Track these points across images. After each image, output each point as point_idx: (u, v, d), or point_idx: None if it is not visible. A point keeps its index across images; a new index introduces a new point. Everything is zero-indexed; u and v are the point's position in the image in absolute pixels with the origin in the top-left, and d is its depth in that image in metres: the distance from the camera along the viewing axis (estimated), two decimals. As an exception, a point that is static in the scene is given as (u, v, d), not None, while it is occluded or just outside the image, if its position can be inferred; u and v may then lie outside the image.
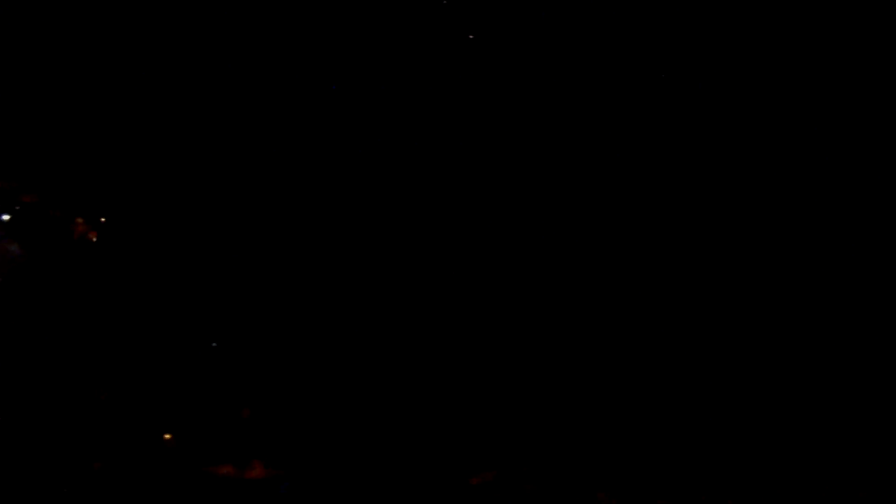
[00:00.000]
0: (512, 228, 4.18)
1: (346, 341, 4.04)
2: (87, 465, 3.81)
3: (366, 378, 4.02)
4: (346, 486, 3.90)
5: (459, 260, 4.14)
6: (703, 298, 4.14)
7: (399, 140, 4.21)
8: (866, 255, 4.16)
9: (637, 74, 4.28)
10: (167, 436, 3.87)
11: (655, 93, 4.27)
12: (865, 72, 4.26)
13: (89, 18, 4.13)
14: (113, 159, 4.10)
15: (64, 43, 4.12)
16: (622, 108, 4.28)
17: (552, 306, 4.12)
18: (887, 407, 4.03)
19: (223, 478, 3.86)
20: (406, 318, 4.07)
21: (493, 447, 3.96)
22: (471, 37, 4.24)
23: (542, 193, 4.22)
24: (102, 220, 4.01)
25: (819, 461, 3.96)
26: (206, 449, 3.88)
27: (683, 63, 4.28)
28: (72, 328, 3.93)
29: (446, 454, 3.94)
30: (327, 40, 4.23)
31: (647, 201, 4.22)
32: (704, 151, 4.25)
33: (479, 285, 4.13)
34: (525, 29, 4.27)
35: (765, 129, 4.25)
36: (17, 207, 3.99)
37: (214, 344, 3.94)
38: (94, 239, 4.00)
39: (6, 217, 3.97)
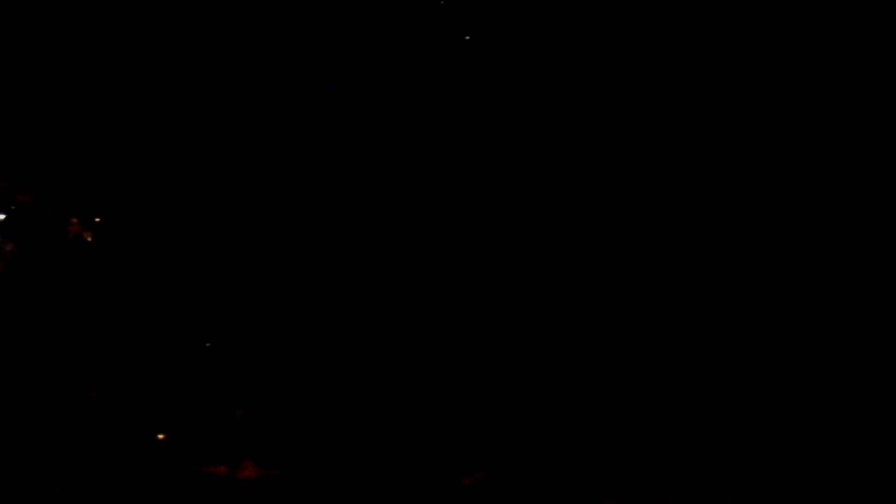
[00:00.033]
0: (510, 229, 4.18)
1: (338, 342, 4.04)
2: (80, 465, 3.83)
3: (358, 378, 4.02)
4: (338, 486, 3.91)
5: (451, 258, 4.14)
6: (704, 300, 4.13)
7: (398, 140, 4.21)
8: (866, 256, 4.16)
9: (635, 74, 4.27)
10: (160, 436, 3.88)
11: (654, 92, 4.27)
12: (865, 72, 4.25)
13: (84, 18, 4.14)
14: (108, 160, 4.11)
15: (60, 43, 4.13)
16: (620, 107, 4.27)
17: (550, 306, 4.12)
18: (887, 407, 4.02)
19: (216, 478, 3.87)
20: (399, 318, 4.07)
21: (485, 448, 3.96)
22: (467, 37, 4.24)
23: (538, 194, 4.22)
24: (97, 220, 4.02)
25: (819, 462, 3.96)
26: (199, 449, 3.89)
27: (683, 63, 4.27)
28: (66, 327, 3.94)
29: (438, 454, 3.95)
30: (327, 40, 4.23)
31: (645, 202, 4.21)
32: (704, 151, 4.24)
33: (472, 284, 4.13)
34: (522, 29, 4.27)
35: (765, 129, 4.25)
36: (13, 207, 4.01)
37: (208, 344, 3.95)
38: (89, 239, 4.01)
39: (1, 217, 3.98)
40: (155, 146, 4.13)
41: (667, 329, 4.10)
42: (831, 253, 4.16)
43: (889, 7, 4.23)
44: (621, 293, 4.14)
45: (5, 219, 3.97)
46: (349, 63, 4.22)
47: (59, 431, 3.85)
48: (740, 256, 4.16)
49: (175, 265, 4.04)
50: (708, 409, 4.03)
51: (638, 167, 4.23)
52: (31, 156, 4.09)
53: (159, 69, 4.19)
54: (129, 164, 4.11)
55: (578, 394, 4.05)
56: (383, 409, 3.99)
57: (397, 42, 4.24)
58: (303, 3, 4.22)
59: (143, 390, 3.93)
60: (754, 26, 4.27)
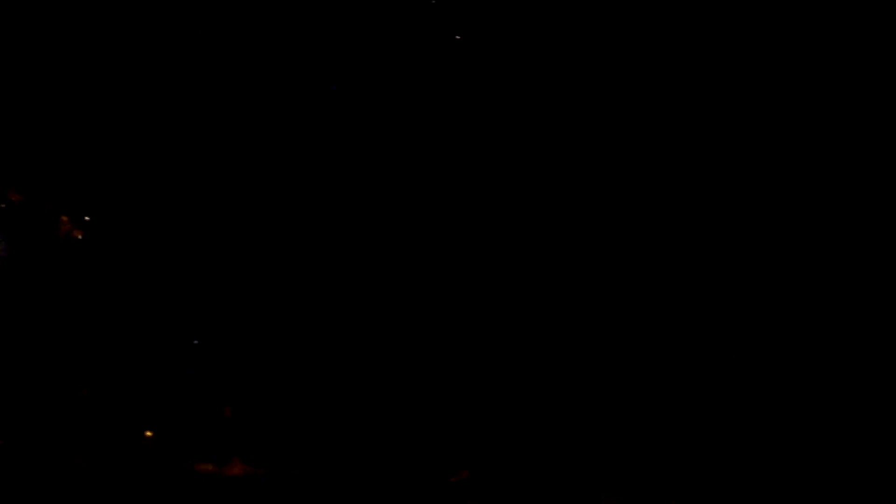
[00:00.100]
0: (497, 226, 4.18)
1: (327, 341, 4.04)
2: (69, 461, 3.83)
3: (346, 377, 4.02)
4: (326, 484, 3.90)
5: (437, 254, 4.14)
6: (704, 300, 4.12)
7: (396, 140, 4.21)
8: (866, 256, 4.14)
9: (631, 72, 4.27)
10: (148, 433, 3.89)
11: (652, 91, 4.26)
12: (865, 72, 4.24)
13: (73, 17, 4.16)
14: (98, 158, 4.13)
15: (50, 42, 4.15)
16: (619, 107, 4.27)
17: (548, 306, 4.11)
18: (887, 407, 4.00)
19: (203, 475, 3.87)
20: (387, 318, 4.07)
21: (472, 446, 3.95)
22: (458, 37, 4.24)
23: (535, 194, 4.22)
24: (87, 218, 4.03)
25: (819, 462, 3.94)
26: (186, 446, 3.89)
27: (681, 63, 4.27)
28: (55, 325, 3.95)
29: (426, 453, 3.94)
30: (321, 41, 4.24)
31: (644, 202, 4.21)
32: (703, 152, 4.23)
33: (464, 282, 4.13)
34: (520, 28, 4.27)
35: (764, 129, 4.24)
36: (3, 205, 4.02)
37: (196, 341, 3.95)
38: (80, 237, 4.02)
39: (-8, 215, 4.00)
40: (145, 145, 4.14)
41: (666, 329, 4.10)
42: (831, 253, 4.14)
43: (889, 7, 4.22)
44: (620, 291, 4.13)
45: (-4, 217, 3.99)
46: (346, 63, 4.23)
47: (48, 428, 3.86)
48: (740, 256, 4.15)
49: (164, 264, 4.05)
50: (708, 410, 4.01)
51: (635, 166, 4.22)
52: (22, 155, 4.10)
53: (152, 68, 4.20)
54: (119, 163, 4.12)
55: (577, 394, 4.04)
56: (371, 407, 3.99)
57: (392, 42, 4.24)
58: (299, 4, 4.23)
59: (132, 387, 3.93)
60: (753, 26, 4.26)
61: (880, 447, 3.96)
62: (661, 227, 4.18)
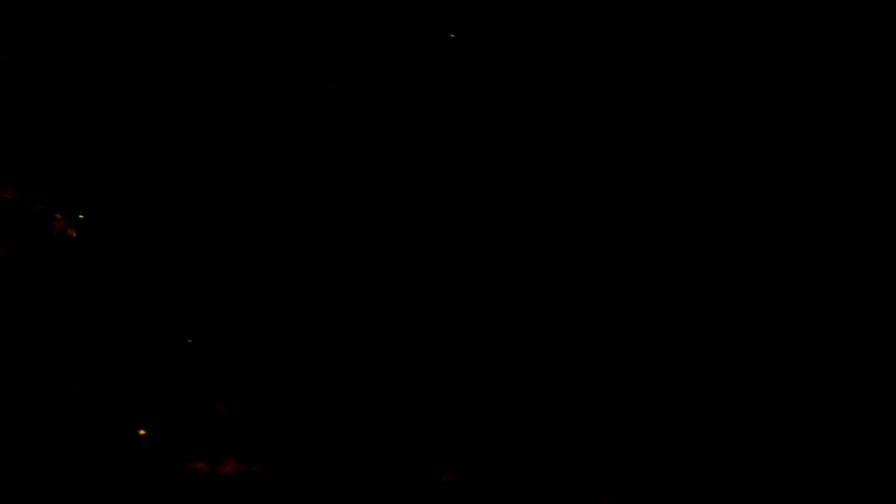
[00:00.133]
0: (488, 224, 4.18)
1: (319, 340, 4.05)
2: (62, 460, 3.83)
3: (339, 376, 4.02)
4: (319, 483, 3.91)
5: (432, 256, 4.15)
6: (704, 300, 4.13)
7: (395, 140, 4.22)
8: (866, 256, 4.15)
9: (627, 72, 4.28)
10: (141, 431, 3.89)
11: (651, 91, 4.27)
12: (865, 72, 4.25)
13: (68, 17, 4.16)
14: (92, 156, 4.13)
15: (44, 42, 4.15)
16: (617, 108, 4.28)
17: (544, 303, 4.12)
18: (887, 407, 4.01)
19: (196, 473, 3.87)
20: (378, 317, 4.08)
21: (465, 445, 3.96)
22: (452, 35, 4.25)
23: (534, 194, 4.23)
24: (81, 216, 4.04)
25: (819, 462, 3.95)
26: (179, 444, 3.89)
27: (680, 63, 4.28)
28: (49, 323, 3.95)
29: (419, 452, 3.94)
30: (318, 41, 4.25)
31: (644, 202, 4.21)
32: (703, 152, 4.24)
33: (456, 282, 4.13)
34: (518, 28, 4.28)
35: (764, 129, 4.25)
36: (-3, 203, 4.03)
37: (189, 340, 3.95)
38: (74, 235, 4.02)
39: (-14, 213, 4.00)
40: (139, 143, 4.14)
41: (666, 328, 4.10)
42: (831, 253, 4.15)
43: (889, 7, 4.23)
44: (619, 290, 4.14)
45: (-10, 215, 3.99)
46: (342, 62, 4.24)
47: (41, 426, 3.86)
48: (740, 256, 4.16)
49: (158, 262, 4.05)
50: (708, 410, 4.02)
51: (634, 167, 4.23)
52: (16, 152, 4.10)
53: (148, 66, 4.20)
54: (113, 162, 4.12)
55: (574, 393, 4.04)
56: (364, 406, 3.99)
57: (389, 41, 4.25)
58: (295, 5, 4.24)
59: (125, 386, 3.93)
60: (751, 26, 4.28)
61: (880, 447, 3.97)
62: (660, 227, 4.19)
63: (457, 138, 4.23)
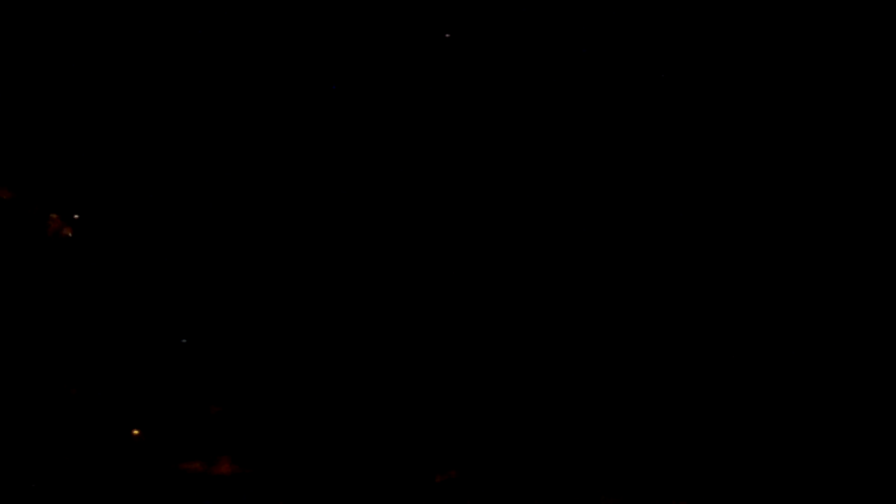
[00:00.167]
0: (485, 225, 4.18)
1: (314, 342, 4.05)
2: (57, 460, 3.84)
3: (334, 377, 4.03)
4: (313, 482, 3.92)
5: (428, 254, 4.14)
6: (704, 300, 4.13)
7: (393, 140, 4.21)
8: (866, 256, 4.15)
9: (624, 72, 4.27)
10: (136, 431, 3.90)
11: (650, 91, 4.26)
12: (865, 72, 4.24)
13: (64, 21, 4.15)
14: (87, 158, 4.12)
15: (39, 45, 4.14)
16: (616, 108, 4.27)
17: (543, 304, 4.12)
18: (887, 407, 4.02)
19: (191, 473, 3.88)
20: (374, 319, 4.08)
21: (458, 446, 3.97)
22: (447, 35, 4.24)
23: (533, 194, 4.22)
24: (76, 216, 4.04)
25: (818, 462, 3.96)
26: (174, 445, 3.91)
27: (680, 63, 4.27)
28: (44, 323, 3.96)
29: (412, 452, 3.95)
30: (320, 41, 4.24)
31: (645, 203, 4.21)
32: (702, 152, 4.24)
33: (450, 282, 4.13)
34: (518, 28, 4.27)
35: (764, 129, 4.24)
36: (-7, 203, 4.03)
37: (184, 341, 3.96)
38: (70, 235, 4.03)
39: (-18, 213, 4.00)
40: (134, 144, 4.14)
41: (666, 328, 4.10)
42: (831, 253, 4.15)
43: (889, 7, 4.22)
44: (620, 291, 4.14)
45: (-14, 215, 3.99)
46: (345, 63, 4.23)
47: (37, 426, 3.87)
48: (740, 257, 4.15)
49: (153, 263, 4.06)
50: (708, 410, 4.02)
51: (633, 167, 4.23)
52: (12, 153, 4.10)
53: (143, 68, 4.19)
54: (108, 163, 4.12)
55: (576, 394, 4.04)
56: (358, 406, 4.00)
57: (391, 42, 4.24)
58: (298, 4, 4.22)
59: (121, 386, 3.94)
60: (753, 27, 4.26)
61: (880, 447, 3.97)
62: (659, 227, 4.18)
63: (456, 138, 4.23)
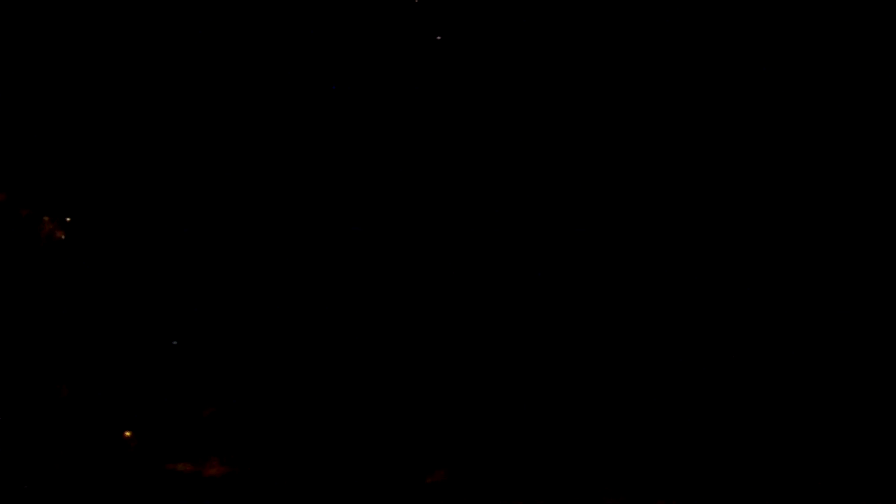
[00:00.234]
0: (478, 222, 4.19)
1: (303, 343, 4.06)
2: (48, 461, 3.85)
3: (323, 378, 4.04)
4: (303, 483, 3.92)
5: (418, 252, 4.15)
6: (704, 300, 4.13)
7: (393, 140, 4.22)
8: (866, 256, 4.15)
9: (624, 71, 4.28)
10: (127, 433, 3.91)
11: (649, 91, 4.27)
12: (865, 72, 4.24)
13: (56, 23, 4.16)
14: (80, 161, 4.14)
15: (32, 48, 4.15)
16: (614, 107, 4.27)
17: (538, 301, 4.12)
18: (887, 407, 4.01)
19: (182, 474, 3.89)
20: (362, 319, 4.09)
21: (448, 447, 3.97)
22: (438, 38, 4.25)
23: (531, 193, 4.23)
24: (68, 219, 4.05)
25: (818, 462, 3.95)
26: (164, 446, 3.92)
27: (678, 63, 4.27)
28: (37, 324, 3.97)
29: (401, 453, 3.96)
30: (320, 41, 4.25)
31: (645, 203, 4.21)
32: (702, 152, 4.24)
33: (441, 281, 4.14)
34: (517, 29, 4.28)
35: (764, 129, 4.24)
36: (-14, 206, 4.04)
37: (175, 342, 3.97)
38: (62, 237, 4.04)
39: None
40: (126, 147, 4.15)
41: (666, 328, 4.10)
42: (831, 253, 4.15)
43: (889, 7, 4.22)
44: (619, 290, 4.14)
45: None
46: (345, 63, 4.24)
47: (28, 427, 3.88)
48: (739, 257, 4.15)
49: (145, 266, 4.07)
50: (708, 410, 4.02)
51: (633, 167, 4.23)
52: (4, 156, 4.11)
53: (136, 69, 4.21)
54: (100, 166, 4.13)
55: (569, 393, 4.04)
56: (348, 407, 4.00)
57: (391, 43, 4.25)
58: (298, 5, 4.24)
59: (112, 387, 3.95)
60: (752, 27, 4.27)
61: (880, 447, 3.97)
62: (658, 226, 4.18)
63: (455, 139, 4.23)
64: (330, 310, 4.07)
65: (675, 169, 4.22)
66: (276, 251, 4.10)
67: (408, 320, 4.08)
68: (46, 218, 4.05)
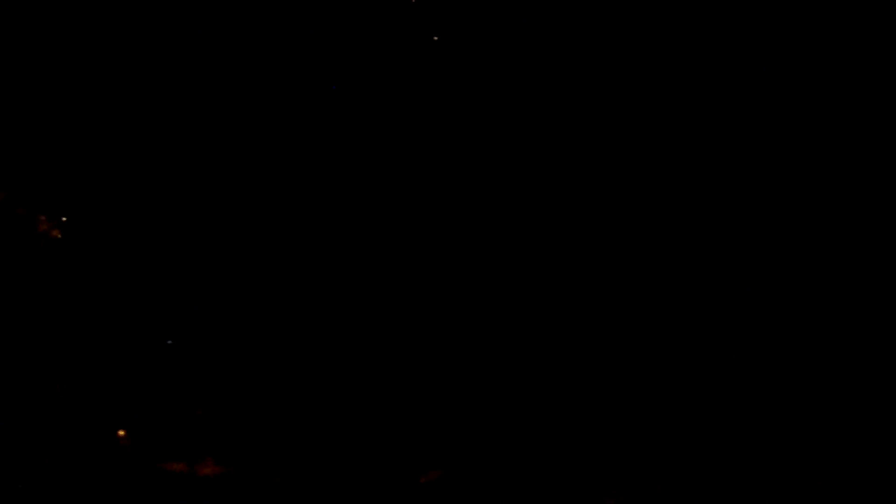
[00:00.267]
0: (470, 219, 4.19)
1: (297, 340, 4.06)
2: (41, 461, 3.86)
3: (317, 376, 4.04)
4: (297, 483, 3.92)
5: (405, 256, 4.15)
6: (704, 300, 4.12)
7: (392, 140, 4.23)
8: (866, 256, 4.14)
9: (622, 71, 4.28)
10: (121, 432, 3.91)
11: (648, 91, 4.27)
12: (865, 72, 4.23)
13: (51, 19, 4.18)
14: (75, 158, 4.15)
15: (28, 45, 4.17)
16: (613, 107, 4.27)
17: (541, 303, 4.12)
18: (887, 407, 4.00)
19: (175, 474, 3.89)
20: (357, 316, 4.09)
21: (443, 446, 3.96)
22: (435, 38, 4.25)
23: (529, 193, 4.23)
24: (64, 218, 4.06)
25: (818, 462, 3.94)
26: (158, 445, 3.92)
27: (677, 63, 4.27)
28: (31, 324, 3.98)
29: (395, 452, 3.95)
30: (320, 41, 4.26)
31: (644, 202, 4.21)
32: (701, 153, 4.24)
33: (436, 279, 4.13)
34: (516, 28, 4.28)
35: (764, 129, 4.24)
36: (-18, 205, 4.05)
37: (169, 341, 3.98)
38: (58, 236, 4.05)
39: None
40: (122, 145, 4.16)
41: (665, 328, 4.10)
42: (830, 253, 4.14)
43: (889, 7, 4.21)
44: (618, 288, 4.13)
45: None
46: (345, 63, 4.25)
47: (21, 427, 3.88)
48: (740, 257, 4.15)
49: (139, 264, 4.08)
50: (708, 410, 4.01)
51: (632, 167, 4.23)
52: (2, 155, 4.13)
53: (133, 67, 4.22)
54: (96, 164, 4.15)
55: (573, 394, 4.04)
56: (342, 406, 4.00)
57: (391, 43, 4.26)
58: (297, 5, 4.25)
59: (106, 386, 3.95)
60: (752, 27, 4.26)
61: (880, 447, 3.95)
62: (657, 226, 4.18)
63: (455, 139, 4.24)
64: (324, 310, 4.07)
65: (676, 169, 4.21)
66: (271, 251, 4.11)
67: (404, 319, 4.08)
68: (42, 217, 4.06)
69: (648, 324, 4.11)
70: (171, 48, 4.20)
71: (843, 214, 4.17)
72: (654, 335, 4.10)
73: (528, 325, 4.09)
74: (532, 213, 4.19)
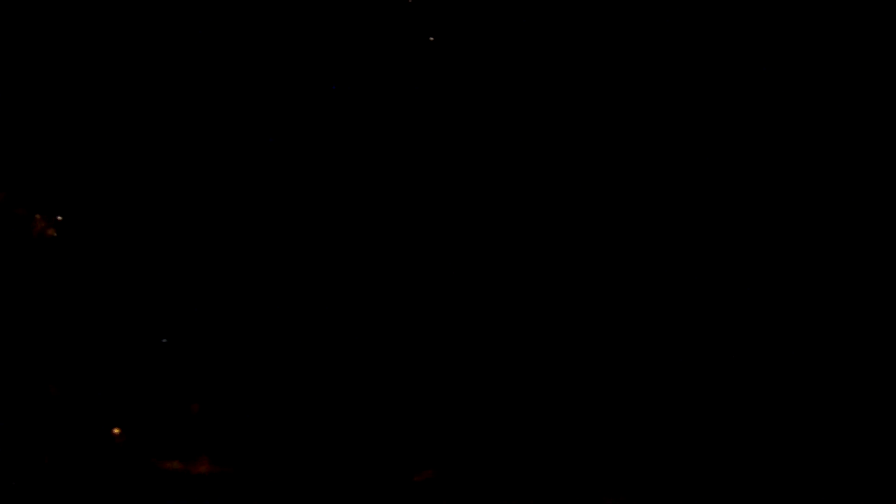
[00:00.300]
0: (467, 220, 4.18)
1: (292, 339, 4.06)
2: (36, 459, 3.86)
3: (311, 375, 4.04)
4: (292, 482, 3.92)
5: (401, 255, 4.15)
6: (704, 300, 4.12)
7: (391, 140, 4.23)
8: (866, 256, 4.13)
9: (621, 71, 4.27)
10: (116, 430, 3.92)
11: (647, 91, 4.26)
12: (865, 72, 4.23)
13: (48, 19, 4.19)
14: (71, 158, 4.16)
15: (25, 45, 4.18)
16: (612, 107, 4.27)
17: (540, 302, 4.12)
18: (887, 407, 4.00)
19: (170, 472, 3.89)
20: (352, 316, 4.09)
21: (436, 445, 3.96)
22: (431, 39, 4.25)
23: (528, 193, 4.23)
24: (59, 218, 4.07)
25: (818, 462, 3.94)
26: (153, 444, 3.92)
27: (677, 63, 4.27)
28: (25, 322, 3.98)
29: (389, 451, 3.95)
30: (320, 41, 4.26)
31: (644, 201, 4.21)
32: (701, 152, 4.23)
33: (432, 278, 4.14)
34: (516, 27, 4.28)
35: (764, 129, 4.23)
36: (-22, 204, 4.06)
37: (164, 340, 3.98)
38: (54, 235, 4.06)
39: (-33, 214, 4.04)
40: (118, 144, 4.17)
41: (665, 328, 4.09)
42: (830, 253, 4.13)
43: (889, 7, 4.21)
44: (617, 287, 4.13)
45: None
46: (344, 63, 4.25)
47: (16, 426, 3.89)
48: (740, 256, 4.14)
49: (134, 263, 4.08)
50: (708, 410, 4.01)
51: (632, 167, 4.23)
52: (2, 155, 4.14)
53: (130, 67, 4.23)
54: (92, 163, 4.15)
55: (571, 394, 4.04)
56: (336, 405, 4.00)
57: (391, 43, 4.26)
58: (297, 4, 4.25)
59: (100, 385, 3.96)
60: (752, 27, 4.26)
61: (880, 447, 3.95)
62: (659, 227, 4.18)
63: (454, 139, 4.24)
64: (319, 310, 4.07)
65: (675, 169, 4.21)
66: (265, 250, 4.11)
67: (397, 318, 4.08)
68: (38, 216, 4.07)
69: (648, 323, 4.10)
70: (169, 48, 4.20)
71: (843, 214, 4.16)
72: (654, 335, 4.10)
73: (524, 323, 4.09)
74: (528, 212, 4.19)
